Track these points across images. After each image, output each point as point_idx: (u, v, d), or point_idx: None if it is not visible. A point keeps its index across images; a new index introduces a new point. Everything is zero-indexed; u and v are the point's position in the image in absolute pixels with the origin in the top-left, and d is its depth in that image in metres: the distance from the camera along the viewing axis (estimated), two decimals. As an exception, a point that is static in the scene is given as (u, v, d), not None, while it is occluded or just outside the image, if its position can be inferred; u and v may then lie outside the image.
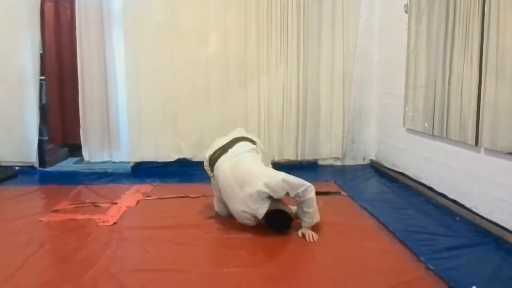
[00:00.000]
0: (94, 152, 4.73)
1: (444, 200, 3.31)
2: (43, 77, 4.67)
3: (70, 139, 4.79)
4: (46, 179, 4.36)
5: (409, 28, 3.93)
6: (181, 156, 4.74)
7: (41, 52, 4.60)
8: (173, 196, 3.58)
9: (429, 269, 2.23)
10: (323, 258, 2.49)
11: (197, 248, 2.55)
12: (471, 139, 2.97)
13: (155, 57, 4.61)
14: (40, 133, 4.65)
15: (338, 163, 4.85)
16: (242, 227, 2.87)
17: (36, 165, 4.63)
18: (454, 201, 3.19)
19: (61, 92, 4.71)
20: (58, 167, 4.80)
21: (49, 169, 4.68)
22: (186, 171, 4.58)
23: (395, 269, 2.30)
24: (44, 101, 4.73)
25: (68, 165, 4.89)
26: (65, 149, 5.11)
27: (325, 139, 4.74)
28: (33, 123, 4.60)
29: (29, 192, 3.79)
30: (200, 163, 4.68)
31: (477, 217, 2.90)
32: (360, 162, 4.96)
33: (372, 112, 4.90)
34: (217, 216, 3.07)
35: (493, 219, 2.76)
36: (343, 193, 3.71)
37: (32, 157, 4.61)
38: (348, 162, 4.91)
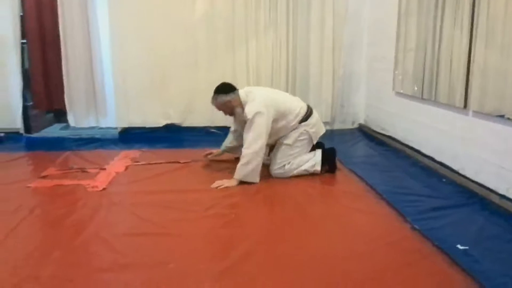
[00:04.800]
0: (80, 117, 4.64)
1: (432, 163, 3.35)
2: (25, 41, 4.52)
3: (55, 104, 4.70)
4: (32, 145, 4.30)
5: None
6: (170, 122, 4.69)
7: (21, 14, 4.42)
8: (163, 161, 3.57)
9: (414, 229, 2.28)
10: (311, 218, 2.53)
11: (187, 213, 2.56)
12: (459, 102, 2.98)
13: (140, 20, 4.46)
14: (24, 99, 4.53)
15: (327, 127, 4.82)
16: (232, 191, 2.90)
17: (22, 131, 4.55)
18: (441, 163, 3.24)
19: (44, 56, 4.57)
20: (44, 133, 4.73)
21: (35, 135, 4.61)
22: (175, 136, 4.55)
23: (381, 230, 2.36)
24: (27, 66, 4.60)
25: (55, 131, 4.82)
26: (51, 115, 5.01)
27: (315, 103, 4.69)
28: (16, 88, 4.47)
29: (16, 158, 3.74)
30: (189, 128, 4.73)
31: (464, 179, 2.95)
32: (349, 126, 4.97)
33: (362, 76, 4.87)
34: (206, 181, 3.07)
35: (479, 181, 2.81)
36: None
37: (17, 123, 4.52)
38: (338, 126, 4.91)
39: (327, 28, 4.64)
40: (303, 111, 3.21)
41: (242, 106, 3.08)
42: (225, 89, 3.14)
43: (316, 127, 3.25)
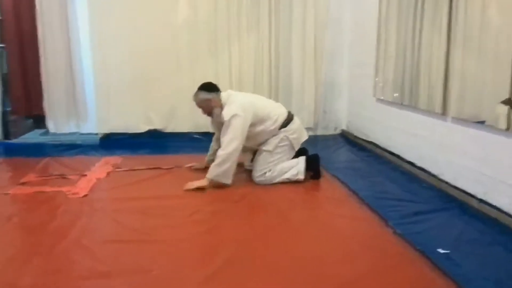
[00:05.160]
0: (60, 123, 4.58)
1: (412, 168, 3.40)
2: (3, 45, 4.43)
3: (34, 109, 4.62)
4: (11, 151, 4.20)
5: (381, -3, 3.92)
6: (152, 127, 4.65)
7: (-1, 18, 4.36)
8: (145, 167, 3.53)
9: (396, 233, 2.31)
10: (294, 224, 2.53)
11: (169, 219, 2.54)
12: (438, 108, 3.04)
13: (121, 22, 4.41)
14: (3, 104, 4.45)
15: (310, 133, 4.85)
16: (215, 197, 2.89)
17: (0, 137, 4.45)
18: (422, 169, 3.29)
19: (22, 60, 4.50)
20: (23, 139, 4.63)
21: (13, 141, 4.51)
22: (157, 142, 4.52)
23: (364, 234, 2.38)
24: (5, 70, 4.51)
25: (34, 137, 4.72)
26: (30, 121, 4.92)
27: (298, 109, 4.73)
28: (-6, 94, 4.40)
29: (-7, 164, 3.67)
30: (172, 134, 4.69)
31: (443, 184, 3.00)
32: (331, 132, 5.01)
33: (344, 83, 4.92)
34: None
35: (458, 186, 2.86)
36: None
37: (-5, 129, 4.44)
38: (320, 132, 4.95)
39: (308, 34, 4.69)
40: (283, 117, 3.22)
41: (221, 107, 3.10)
42: (208, 87, 3.19)
43: (297, 134, 3.27)
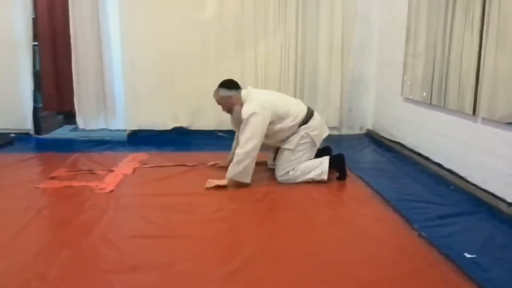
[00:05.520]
0: (89, 119, 4.69)
1: (440, 170, 3.33)
2: (36, 43, 4.57)
3: (65, 106, 4.75)
4: (42, 146, 4.34)
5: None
6: (178, 125, 4.72)
7: (33, 16, 4.49)
8: (170, 164, 3.58)
9: (422, 236, 2.27)
10: (317, 223, 2.53)
11: (193, 215, 2.57)
12: (468, 109, 2.96)
13: (150, 22, 4.50)
14: (35, 100, 4.60)
15: (335, 132, 4.83)
16: (238, 195, 2.90)
17: (32, 132, 4.60)
18: (450, 171, 3.22)
19: (54, 58, 4.64)
20: (54, 134, 4.78)
21: (44, 136, 4.66)
22: (183, 139, 4.57)
23: (388, 236, 2.34)
24: (37, 67, 4.65)
25: (64, 132, 4.87)
26: (61, 116, 5.07)
27: (323, 107, 4.70)
28: (27, 90, 4.53)
29: (26, 159, 3.79)
30: (197, 132, 4.74)
31: (472, 186, 2.92)
32: (357, 131, 4.95)
33: (371, 81, 4.85)
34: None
35: (487, 188, 2.78)
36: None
37: (28, 124, 4.58)
38: (345, 131, 4.89)
39: (336, 30, 4.64)
40: (302, 114, 3.19)
41: (241, 105, 3.10)
42: (229, 84, 3.21)
43: (318, 130, 3.24)
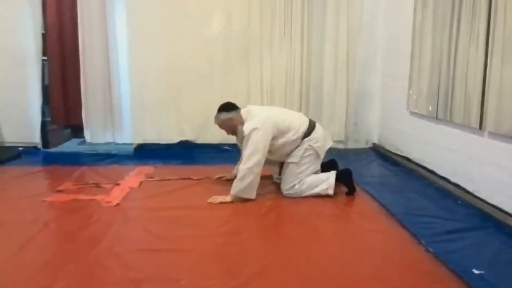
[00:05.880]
0: (97, 133, 4.74)
1: (447, 184, 3.31)
2: (45, 58, 4.65)
3: (73, 120, 4.80)
4: (50, 159, 4.37)
5: (415, 7, 3.86)
6: (184, 138, 4.74)
7: (43, 32, 4.57)
8: (176, 178, 3.59)
9: (429, 251, 2.25)
10: (323, 237, 2.52)
11: (199, 229, 2.57)
12: (475, 123, 2.96)
13: (157, 37, 4.56)
14: (43, 114, 4.65)
15: (341, 146, 4.83)
16: (244, 209, 2.90)
17: (40, 145, 4.64)
18: (456, 185, 3.20)
19: (63, 72, 4.70)
20: (61, 148, 4.82)
21: (52, 150, 4.69)
22: (189, 153, 4.59)
23: (394, 251, 2.32)
24: (46, 82, 4.72)
25: (72, 146, 4.90)
26: (68, 130, 5.12)
27: (329, 121, 4.71)
28: (36, 104, 4.59)
29: (33, 172, 3.82)
30: (203, 145, 4.76)
31: (479, 201, 2.90)
32: (362, 145, 4.94)
33: (376, 94, 4.85)
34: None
35: (495, 203, 2.76)
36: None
37: (36, 138, 4.62)
38: (351, 145, 4.88)
39: (341, 44, 4.66)
40: (304, 126, 3.19)
41: (243, 124, 3.11)
42: (227, 107, 3.22)
43: (321, 141, 3.23)
